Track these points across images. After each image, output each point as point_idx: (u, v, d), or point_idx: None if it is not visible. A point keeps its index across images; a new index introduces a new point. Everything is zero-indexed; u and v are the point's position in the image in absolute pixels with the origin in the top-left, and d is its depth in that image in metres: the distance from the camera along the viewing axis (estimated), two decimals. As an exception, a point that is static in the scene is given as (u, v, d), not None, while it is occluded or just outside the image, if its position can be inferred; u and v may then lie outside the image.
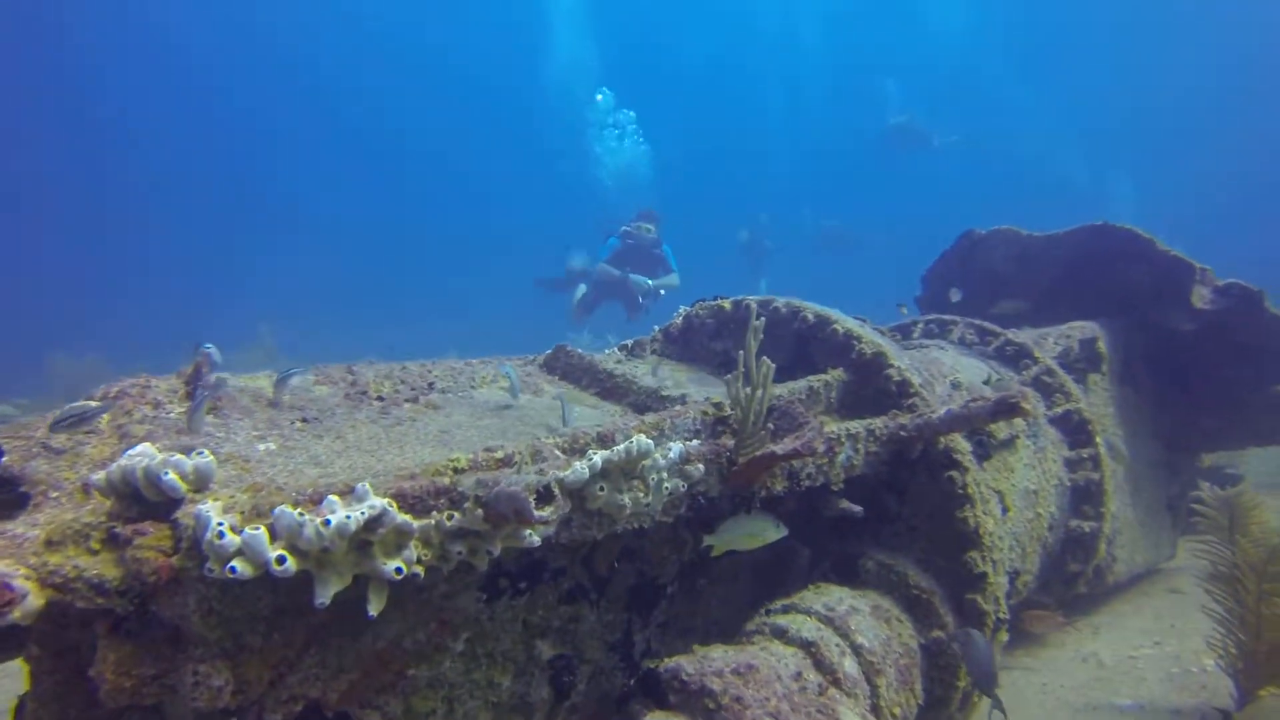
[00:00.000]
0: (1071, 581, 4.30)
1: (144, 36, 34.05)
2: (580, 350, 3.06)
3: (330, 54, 37.90)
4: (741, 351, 3.26)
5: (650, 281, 10.11)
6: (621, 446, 1.91)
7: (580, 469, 1.83)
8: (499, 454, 1.90)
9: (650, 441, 1.94)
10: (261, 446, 1.85)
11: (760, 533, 2.49)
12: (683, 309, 3.56)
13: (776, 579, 2.97)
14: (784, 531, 2.49)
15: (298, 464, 1.80)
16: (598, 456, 1.87)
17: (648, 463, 2.00)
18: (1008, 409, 2.44)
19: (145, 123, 36.26)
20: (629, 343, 3.47)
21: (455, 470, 1.81)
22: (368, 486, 1.55)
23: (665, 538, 2.52)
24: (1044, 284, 5.74)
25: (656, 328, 3.67)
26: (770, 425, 2.12)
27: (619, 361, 3.24)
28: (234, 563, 1.30)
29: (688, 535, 2.53)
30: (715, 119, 40.56)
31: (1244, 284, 4.89)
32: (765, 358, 2.05)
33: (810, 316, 3.04)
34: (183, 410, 2.01)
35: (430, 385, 2.62)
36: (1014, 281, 5.85)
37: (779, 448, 2.09)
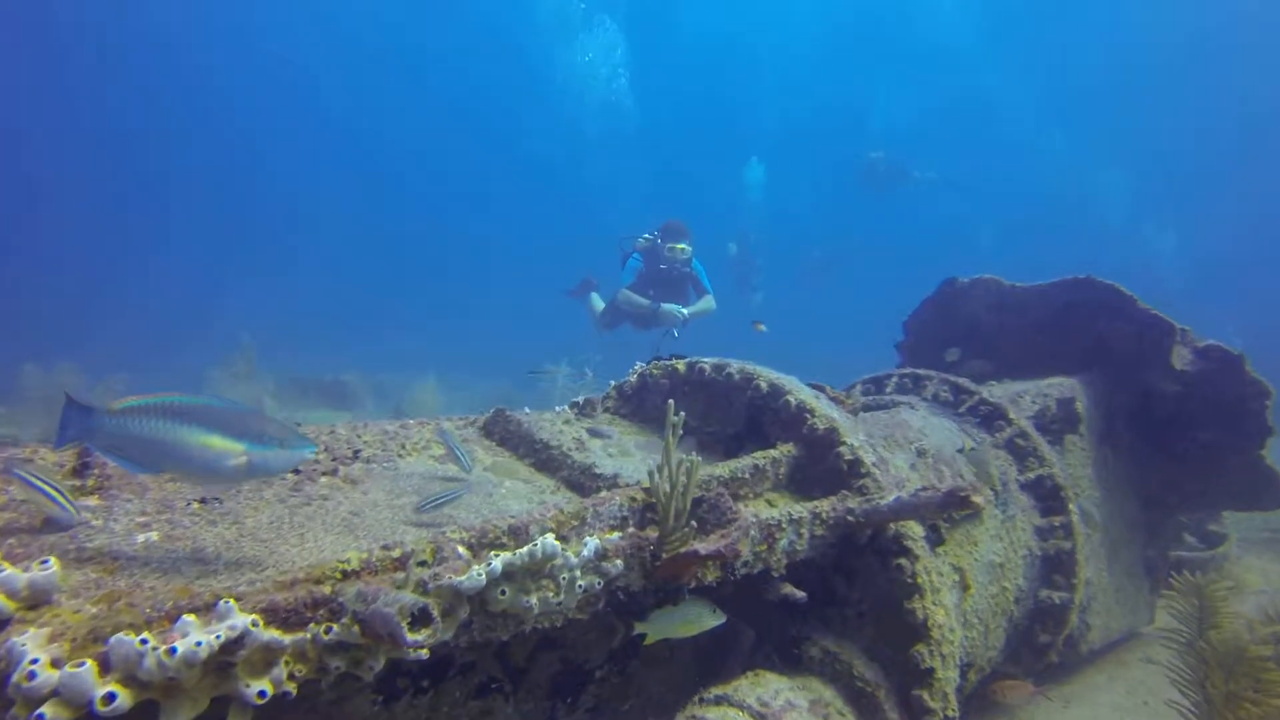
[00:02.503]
0: (1041, 652, 4.15)
1: (137, 40, 34.08)
2: (521, 415, 2.94)
3: (327, 61, 37.88)
4: (697, 419, 3.15)
5: (684, 311, 8.58)
6: (525, 550, 1.79)
7: (477, 575, 1.71)
8: (396, 552, 1.78)
9: (556, 544, 1.82)
10: (141, 537, 1.73)
11: (696, 620, 2.37)
12: (639, 366, 3.45)
13: (717, 660, 2.83)
14: (721, 618, 2.37)
15: (176, 560, 1.68)
16: (497, 561, 1.76)
17: (558, 562, 1.88)
18: (957, 502, 2.32)
19: (138, 128, 36.29)
20: (580, 400, 3.35)
21: (343, 573, 1.69)
22: (232, 603, 1.43)
23: (592, 625, 2.39)
24: (1026, 335, 5.63)
25: (612, 383, 3.57)
26: (693, 524, 2.00)
27: (567, 422, 3.13)
28: (44, 709, 1.18)
29: (617, 623, 2.40)
30: (708, 126, 40.41)
31: (1224, 346, 4.78)
32: (690, 455, 1.93)
33: (763, 385, 2.92)
34: (70, 486, 1.89)
35: (355, 454, 2.50)
36: (996, 332, 5.74)
37: (702, 547, 1.97)
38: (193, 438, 1.62)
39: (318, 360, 15.49)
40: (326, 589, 1.58)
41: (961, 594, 3.22)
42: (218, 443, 1.64)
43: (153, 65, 35.34)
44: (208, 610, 1.39)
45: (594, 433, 2.89)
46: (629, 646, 2.54)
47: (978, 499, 2.31)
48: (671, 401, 1.97)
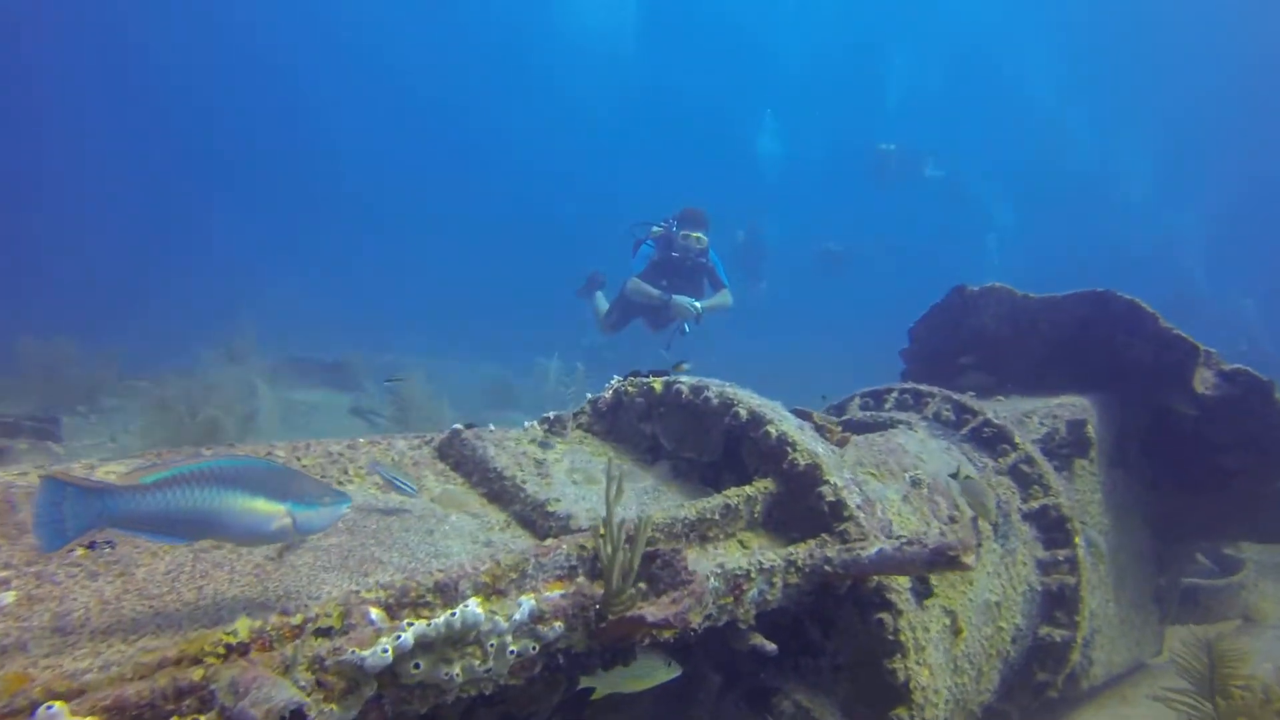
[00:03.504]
0: (1039, 691, 3.92)
1: (141, 11, 33.78)
2: (483, 434, 2.72)
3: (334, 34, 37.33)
4: (673, 443, 2.92)
5: (698, 304, 7.96)
6: (441, 619, 1.58)
7: (382, 651, 1.50)
8: (296, 619, 1.57)
9: (479, 612, 1.61)
10: (-2, 597, 1.53)
11: (648, 675, 2.17)
12: (615, 380, 3.22)
13: (679, 707, 2.62)
14: (676, 671, 2.17)
15: (26, 633, 1.46)
16: (408, 634, 1.54)
17: (485, 628, 1.67)
18: (945, 562, 2.08)
19: (138, 97, 36.09)
20: (551, 415, 3.12)
21: (227, 648, 1.48)
22: (57, 707, 1.22)
23: (536, 677, 2.18)
24: (1037, 349, 5.34)
25: (589, 395, 3.34)
26: (641, 585, 1.77)
27: (533, 441, 2.90)
28: None
29: (560, 677, 2.19)
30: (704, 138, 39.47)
31: (1252, 372, 4.47)
32: (640, 515, 1.70)
33: (743, 413, 2.68)
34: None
35: (287, 480, 2.29)
36: (1005, 344, 5.45)
37: (649, 612, 1.75)
38: (238, 504, 1.53)
39: (321, 339, 15.33)
40: (197, 674, 1.37)
41: (953, 639, 2.99)
42: (263, 506, 1.56)
43: (156, 37, 35.10)
44: (28, 713, 1.18)
45: (544, 445, 2.67)
46: (579, 697, 2.33)
47: (968, 558, 2.07)
48: (612, 457, 1.74)
